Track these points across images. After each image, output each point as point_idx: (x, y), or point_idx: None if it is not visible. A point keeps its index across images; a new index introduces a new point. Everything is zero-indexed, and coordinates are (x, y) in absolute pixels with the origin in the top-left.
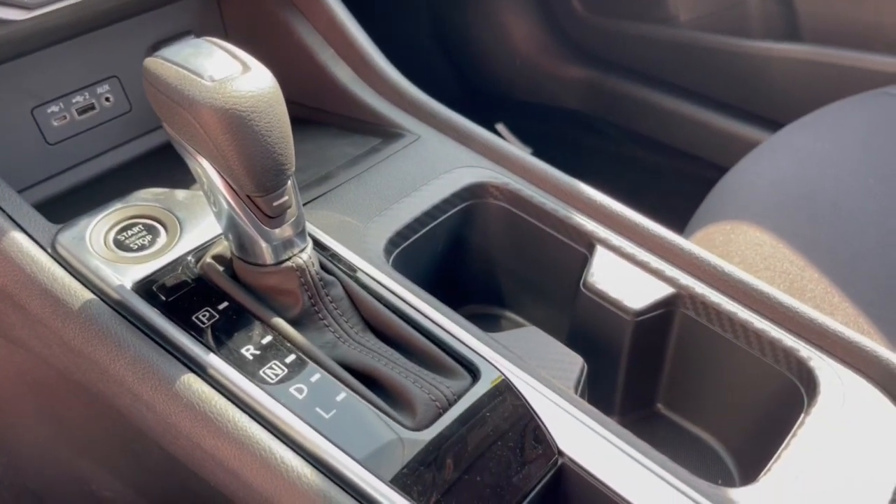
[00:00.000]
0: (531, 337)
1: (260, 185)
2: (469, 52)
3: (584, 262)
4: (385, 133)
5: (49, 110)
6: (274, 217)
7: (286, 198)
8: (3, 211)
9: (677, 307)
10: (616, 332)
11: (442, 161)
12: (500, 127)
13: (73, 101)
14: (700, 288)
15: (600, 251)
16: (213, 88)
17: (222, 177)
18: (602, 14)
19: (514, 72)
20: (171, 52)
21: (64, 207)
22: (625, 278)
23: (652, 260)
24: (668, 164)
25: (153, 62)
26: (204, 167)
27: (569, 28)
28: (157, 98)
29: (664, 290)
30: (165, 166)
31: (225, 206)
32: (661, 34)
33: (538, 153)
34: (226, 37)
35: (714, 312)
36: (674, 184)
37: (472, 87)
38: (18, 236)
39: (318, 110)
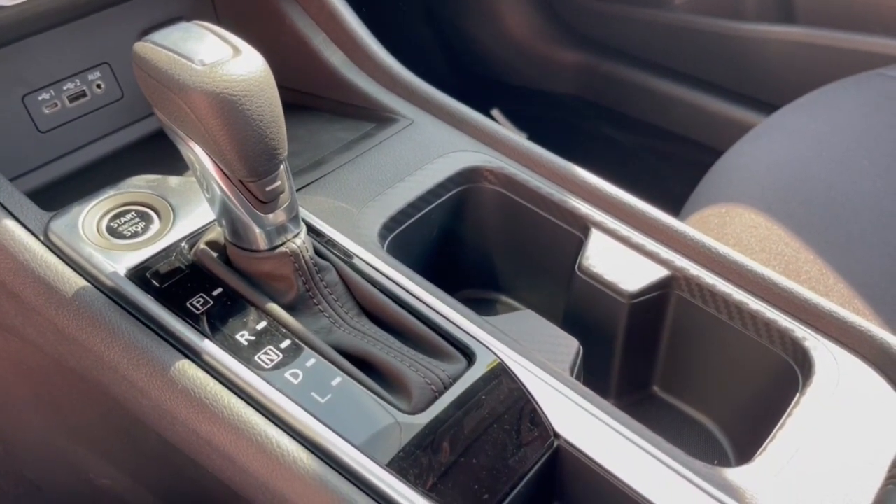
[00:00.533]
0: (527, 320)
1: (252, 170)
2: (463, 36)
3: (579, 245)
4: (378, 118)
5: (40, 98)
6: (267, 202)
7: (279, 182)
8: None
9: (672, 289)
10: (611, 314)
11: (436, 145)
12: (495, 112)
13: (64, 88)
14: (695, 270)
15: (595, 234)
16: (203, 72)
17: (215, 162)
18: None
19: (508, 56)
20: (160, 36)
21: (56, 195)
22: (620, 261)
23: (647, 242)
24: (664, 147)
25: (143, 46)
26: (196, 152)
27: (564, 12)
28: (147, 83)
29: (659, 273)
30: (158, 153)
31: (218, 191)
32: (656, 17)
33: (533, 138)
34: (217, 22)
35: (709, 294)
36: (669, 167)
37: (466, 71)
38: (11, 224)
39: (311, 95)
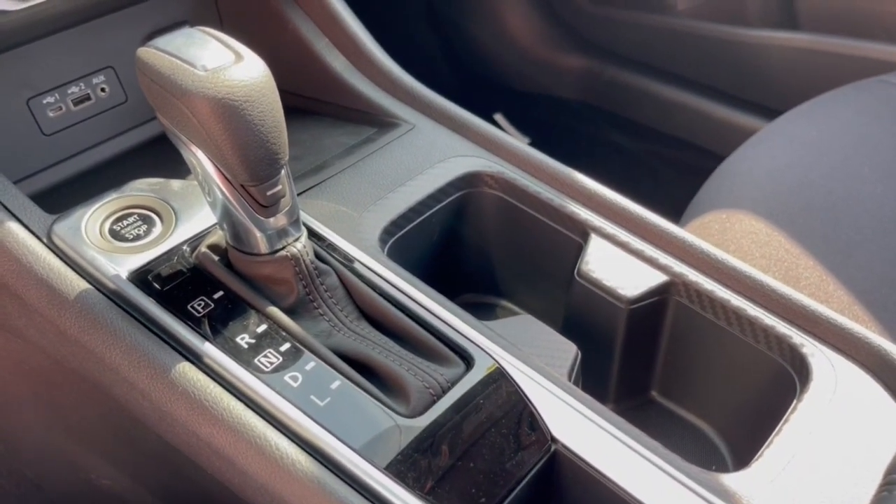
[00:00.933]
0: (525, 325)
1: (253, 175)
2: (466, 41)
3: (578, 250)
4: (380, 122)
5: (45, 101)
6: (268, 206)
7: (280, 187)
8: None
9: (671, 295)
10: (610, 319)
11: (437, 150)
12: (498, 117)
13: (69, 91)
14: (693, 276)
15: (595, 240)
16: (205, 78)
17: (216, 166)
18: (600, 3)
19: (512, 61)
20: (163, 41)
21: (60, 198)
22: (619, 266)
23: (646, 248)
24: (666, 152)
25: (146, 52)
26: (198, 157)
27: (567, 17)
28: (150, 88)
29: (658, 278)
30: (161, 157)
31: (219, 195)
32: (658, 23)
33: (536, 142)
34: (221, 27)
35: (707, 300)
36: (671, 172)
37: (469, 76)
38: (14, 227)
39: (313, 100)
